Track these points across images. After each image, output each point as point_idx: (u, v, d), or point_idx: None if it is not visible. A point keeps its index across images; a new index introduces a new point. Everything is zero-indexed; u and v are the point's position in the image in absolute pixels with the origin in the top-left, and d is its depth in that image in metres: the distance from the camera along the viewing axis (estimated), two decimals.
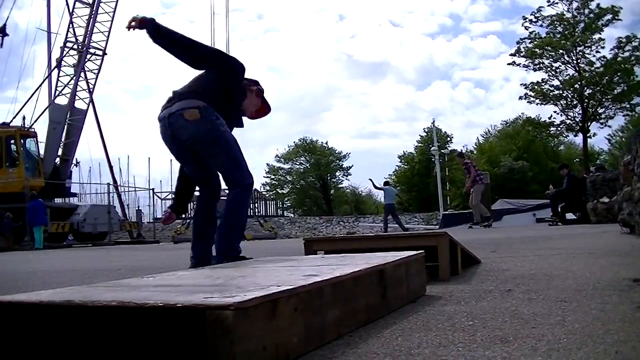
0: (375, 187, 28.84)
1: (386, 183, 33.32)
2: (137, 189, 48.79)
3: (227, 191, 6.31)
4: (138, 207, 42.85)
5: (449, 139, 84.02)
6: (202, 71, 6.54)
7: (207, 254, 6.59)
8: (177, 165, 6.83)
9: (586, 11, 48.65)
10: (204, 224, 6.69)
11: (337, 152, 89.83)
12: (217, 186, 6.59)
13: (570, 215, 21.41)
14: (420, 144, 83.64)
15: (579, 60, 48.80)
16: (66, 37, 34.04)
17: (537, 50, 49.04)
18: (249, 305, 2.22)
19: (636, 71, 47.15)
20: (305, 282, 2.78)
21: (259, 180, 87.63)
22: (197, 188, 6.84)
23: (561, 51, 48.77)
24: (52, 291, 3.24)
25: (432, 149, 59.98)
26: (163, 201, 56.18)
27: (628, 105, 48.75)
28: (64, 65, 34.31)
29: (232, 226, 6.31)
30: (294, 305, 2.53)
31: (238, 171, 6.10)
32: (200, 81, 6.42)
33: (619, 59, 46.97)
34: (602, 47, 48.08)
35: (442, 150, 63.91)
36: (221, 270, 4.06)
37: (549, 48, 48.53)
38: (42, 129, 33.49)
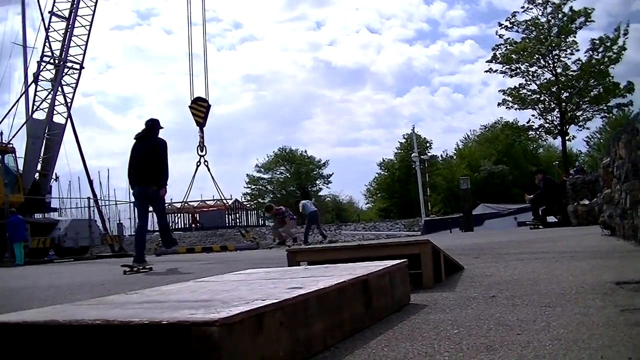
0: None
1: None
2: (117, 202, 48.68)
3: None
4: (119, 220, 42.72)
5: (428, 144, 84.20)
6: None
7: None
8: None
9: (560, 15, 48.93)
10: None
11: (316, 160, 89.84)
12: None
13: (551, 218, 21.47)
14: (400, 151, 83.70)
15: (555, 64, 49.07)
16: (43, 52, 33.84)
17: (513, 55, 49.28)
18: (234, 320, 2.22)
19: (611, 72, 47.50)
20: (290, 295, 2.78)
21: (240, 190, 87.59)
22: None
23: (537, 56, 49.00)
24: (35, 310, 3.23)
25: (412, 155, 60.02)
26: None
27: (605, 107, 49.03)
28: (41, 80, 34.10)
29: None
30: (279, 319, 2.53)
31: None
32: None
33: (593, 61, 47.24)
34: (577, 50, 48.42)
35: (422, 156, 64.04)
36: (205, 284, 4.05)
37: (525, 53, 48.75)
38: (20, 144, 33.33)
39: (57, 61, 34.08)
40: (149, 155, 12.54)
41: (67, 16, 33.84)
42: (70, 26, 33.77)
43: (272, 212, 27.44)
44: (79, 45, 34.45)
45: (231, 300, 2.78)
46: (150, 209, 13.18)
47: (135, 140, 12.94)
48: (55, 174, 36.42)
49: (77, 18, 33.86)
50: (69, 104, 34.92)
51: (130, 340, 2.23)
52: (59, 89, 34.19)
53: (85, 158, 37.18)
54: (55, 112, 34.29)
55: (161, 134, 12.88)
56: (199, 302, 2.94)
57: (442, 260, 5.69)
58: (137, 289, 5.03)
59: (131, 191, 13.48)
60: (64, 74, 34.19)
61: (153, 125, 12.93)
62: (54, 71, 34.28)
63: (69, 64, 34.37)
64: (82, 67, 34.97)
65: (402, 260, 4.45)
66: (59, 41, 34.12)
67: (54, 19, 33.76)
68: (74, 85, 34.94)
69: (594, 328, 3.02)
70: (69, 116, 35.03)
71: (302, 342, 2.72)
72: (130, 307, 2.94)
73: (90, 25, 34.21)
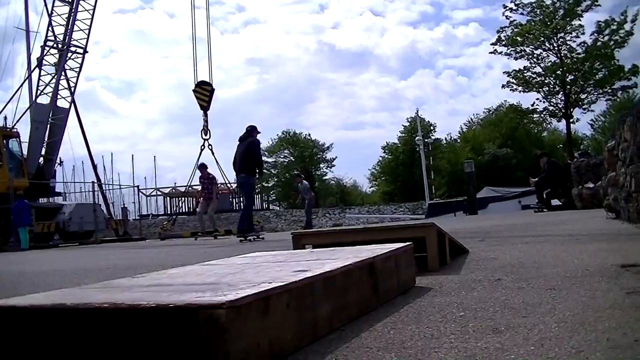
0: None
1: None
2: (121, 187, 48.77)
3: None
4: (123, 204, 42.82)
5: (432, 128, 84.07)
6: None
7: None
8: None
9: None
10: None
11: (320, 144, 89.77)
12: None
13: (555, 202, 21.47)
14: (403, 134, 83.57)
15: (560, 47, 48.83)
16: (46, 36, 33.75)
17: (518, 38, 49.03)
18: (241, 303, 2.22)
19: (616, 55, 47.29)
20: (296, 277, 2.79)
21: None
22: None
23: (542, 38, 48.76)
24: (44, 294, 3.23)
25: (416, 138, 60.00)
26: (148, 198, 56.23)
27: (610, 90, 48.82)
28: (45, 65, 34.05)
29: None
30: (286, 301, 2.53)
31: None
32: None
33: (599, 43, 46.99)
34: (582, 34, 48.15)
35: (426, 140, 64.00)
36: (211, 267, 4.05)
37: (530, 36, 48.53)
38: (24, 129, 33.30)
39: (60, 45, 34.01)
40: (244, 151, 16.55)
41: (70, 0, 33.76)
42: (73, 10, 33.68)
43: (204, 173, 23.55)
44: (82, 30, 34.37)
45: (238, 283, 2.79)
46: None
47: (238, 141, 16.94)
48: (60, 158, 36.39)
49: (81, 2, 33.76)
50: (72, 89, 34.88)
51: (138, 323, 2.23)
52: (63, 73, 34.14)
53: (89, 142, 37.19)
54: (59, 96, 34.27)
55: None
56: (205, 285, 2.95)
57: (447, 244, 5.69)
58: (142, 272, 5.04)
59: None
60: (67, 58, 34.14)
61: (251, 129, 16.97)
62: (57, 56, 34.22)
63: (73, 49, 34.32)
64: (85, 52, 34.93)
65: (408, 243, 4.45)
66: (62, 25, 34.03)
67: (57, 3, 33.67)
68: (77, 70, 34.90)
69: (599, 311, 3.03)
70: (73, 101, 35.00)
71: (309, 325, 2.72)
72: (137, 290, 2.94)
73: (94, 10, 34.13)
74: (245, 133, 16.92)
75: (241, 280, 2.94)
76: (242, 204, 18.72)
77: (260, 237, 17.09)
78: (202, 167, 24.25)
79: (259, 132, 17.15)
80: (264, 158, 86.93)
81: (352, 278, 3.28)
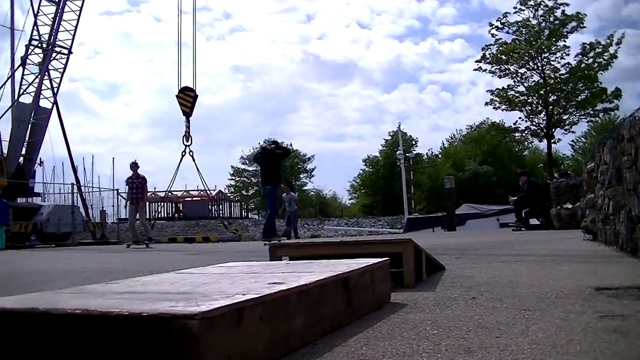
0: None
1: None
2: (101, 190, 48.50)
3: None
4: (102, 207, 42.59)
5: (414, 142, 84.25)
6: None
7: None
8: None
9: (551, 18, 48.93)
10: None
11: (301, 154, 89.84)
12: None
13: (533, 221, 21.54)
14: (385, 148, 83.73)
15: (544, 67, 49.06)
16: (31, 35, 33.72)
17: (502, 56, 49.24)
18: (214, 314, 2.22)
19: (599, 78, 47.55)
20: (271, 290, 2.79)
21: (224, 182, 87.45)
22: None
23: (526, 57, 49.00)
24: (15, 297, 3.21)
25: (397, 152, 60.07)
26: (127, 202, 56.05)
27: (591, 112, 49.12)
28: (29, 64, 33.99)
29: None
30: (259, 314, 2.53)
31: None
32: None
33: (582, 65, 47.30)
34: (567, 55, 48.42)
35: (408, 154, 64.11)
36: (186, 276, 4.05)
37: (515, 54, 48.75)
38: (5, 127, 33.19)
39: (45, 45, 33.94)
40: (268, 165, 18.57)
41: (57, 0, 33.69)
42: (60, 10, 33.65)
43: (134, 172, 22.10)
44: (68, 30, 34.33)
45: (212, 294, 2.79)
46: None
47: (258, 154, 20.03)
48: (40, 158, 36.38)
49: (67, 3, 33.72)
50: (55, 89, 34.79)
51: (110, 330, 2.23)
52: (46, 73, 34.06)
53: (70, 144, 37.10)
54: (41, 96, 34.20)
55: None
56: (179, 294, 2.94)
57: (423, 260, 5.70)
58: (119, 278, 5.02)
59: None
60: (52, 58, 34.07)
61: (273, 143, 19.79)
62: (41, 55, 34.14)
63: (58, 49, 34.26)
64: (70, 52, 34.86)
65: (384, 259, 4.45)
66: (48, 25, 34.01)
67: (43, 2, 33.64)
68: (61, 70, 34.85)
69: (572, 333, 3.04)
70: (55, 101, 34.91)
71: (282, 338, 2.72)
72: (110, 297, 2.94)
73: (80, 11, 34.11)
74: (262, 150, 19.69)
75: (215, 291, 2.94)
76: (267, 212, 19.83)
77: (282, 239, 18.73)
78: (133, 166, 22.15)
79: (278, 146, 19.81)
80: (244, 167, 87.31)
81: (327, 292, 3.28)
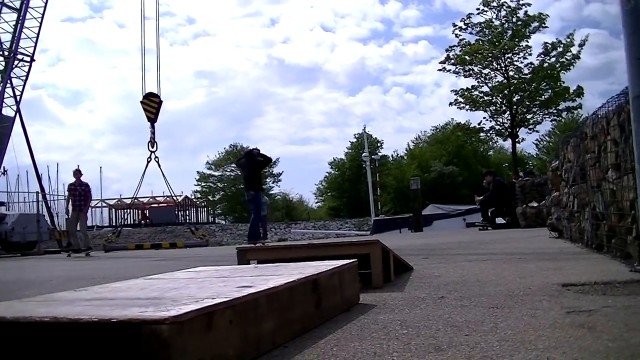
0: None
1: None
2: (66, 197, 48.20)
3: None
4: (68, 215, 42.31)
5: (379, 144, 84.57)
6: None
7: None
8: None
9: (514, 19, 49.21)
10: None
11: None
12: None
13: (499, 220, 21.68)
14: (350, 150, 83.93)
15: (507, 67, 49.29)
16: None
17: (466, 57, 49.39)
18: (184, 319, 2.22)
19: (562, 77, 47.83)
20: (240, 293, 2.79)
21: (190, 187, 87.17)
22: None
23: (490, 58, 49.20)
24: None
25: (363, 155, 60.19)
26: (93, 209, 55.72)
27: (555, 111, 49.39)
28: None
29: None
30: (229, 317, 2.53)
31: None
32: None
33: (545, 65, 47.58)
34: (530, 55, 48.67)
35: (373, 156, 64.28)
36: (155, 281, 4.03)
37: (478, 55, 48.94)
38: None
39: (7, 53, 33.67)
40: (250, 172, 19.95)
41: (18, 7, 33.45)
42: (21, 18, 33.39)
43: (78, 178, 21.74)
44: (29, 37, 34.16)
45: (181, 298, 2.78)
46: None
47: (242, 159, 20.86)
48: (4, 167, 36.06)
49: (29, 10, 33.48)
50: (18, 97, 34.52)
51: (80, 337, 2.22)
52: (9, 81, 33.79)
53: (34, 152, 36.86)
54: (4, 104, 33.90)
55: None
56: (148, 299, 2.93)
57: (391, 261, 5.72)
58: (86, 285, 5.00)
59: None
60: (14, 66, 33.79)
61: (252, 152, 20.41)
62: (3, 63, 33.88)
63: (20, 56, 34.01)
64: (32, 60, 34.64)
65: (352, 260, 4.46)
66: (10, 33, 33.74)
67: (4, 9, 33.40)
68: (24, 78, 34.65)
69: (540, 329, 3.07)
70: (18, 109, 34.64)
71: (252, 341, 2.72)
72: (79, 304, 2.92)
73: (42, 17, 33.95)
74: (246, 156, 20.60)
75: (184, 296, 2.94)
76: (251, 217, 20.43)
77: (266, 243, 19.16)
78: (77, 173, 21.88)
79: (259, 153, 20.53)
80: (210, 172, 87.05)
81: (295, 294, 3.29)
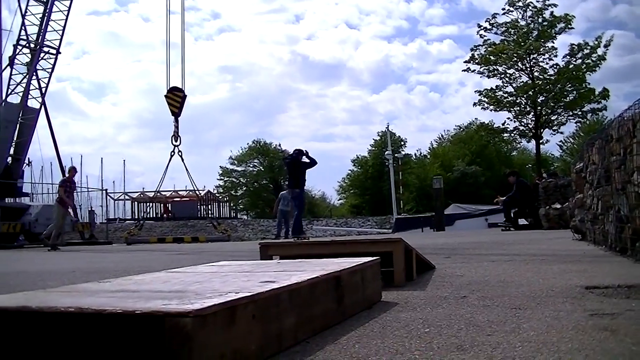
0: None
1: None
2: (89, 190, 48.41)
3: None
4: (91, 207, 42.50)
5: (402, 143, 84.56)
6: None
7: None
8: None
9: (540, 19, 48.92)
10: None
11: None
12: None
13: (522, 221, 21.62)
14: (374, 148, 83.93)
15: (532, 68, 48.98)
16: (19, 35, 33.52)
17: (491, 57, 49.14)
18: (207, 312, 2.22)
19: (587, 78, 47.53)
20: (263, 288, 2.78)
21: (213, 182, 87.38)
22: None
23: (515, 58, 48.91)
24: (7, 296, 3.20)
25: (386, 153, 60.15)
26: (116, 202, 56.00)
27: (579, 112, 49.09)
28: (17, 64, 33.84)
29: None
30: (251, 312, 2.53)
31: None
32: None
33: (571, 66, 47.28)
34: (555, 56, 48.34)
35: (396, 155, 64.20)
36: (178, 275, 4.04)
37: (503, 55, 48.68)
38: None
39: (33, 45, 33.80)
40: (294, 171, 21.73)
41: (45, 0, 33.56)
42: (48, 10, 33.47)
43: (72, 176, 22.68)
44: (56, 30, 34.16)
45: (204, 292, 2.79)
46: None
47: (288, 159, 22.55)
48: (28, 158, 36.15)
49: (55, 3, 33.55)
50: (43, 89, 34.66)
51: (103, 328, 2.23)
52: (34, 73, 33.92)
53: (58, 144, 36.99)
54: (29, 96, 34.01)
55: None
56: (172, 292, 2.94)
57: (414, 259, 5.71)
58: (108, 277, 5.02)
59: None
60: (39, 58, 33.92)
61: (298, 153, 21.87)
62: (29, 55, 33.99)
63: (45, 49, 34.09)
64: (58, 52, 34.71)
65: (375, 258, 4.45)
66: (36, 25, 33.83)
67: (31, 2, 33.46)
68: (49, 70, 34.66)
69: (563, 331, 3.05)
70: (43, 101, 34.78)
71: (274, 336, 2.72)
72: (103, 295, 2.93)
73: (68, 11, 33.91)
74: (293, 156, 22.15)
75: (208, 289, 2.94)
76: (295, 213, 22.66)
77: (308, 238, 21.22)
78: (72, 170, 22.75)
79: (304, 154, 21.87)
80: (232, 167, 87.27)
81: (318, 291, 3.29)
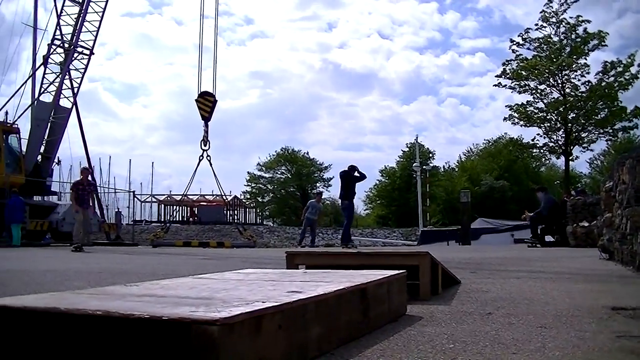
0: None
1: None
2: (116, 191, 48.72)
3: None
4: (117, 208, 42.78)
5: (431, 155, 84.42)
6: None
7: None
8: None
9: (573, 35, 48.67)
10: None
11: (318, 163, 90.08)
12: None
13: (549, 238, 21.50)
14: (402, 159, 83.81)
15: (564, 84, 48.71)
16: (54, 35, 33.81)
17: (522, 72, 48.93)
18: (234, 321, 2.22)
19: (619, 97, 47.18)
20: (290, 298, 2.79)
21: (240, 187, 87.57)
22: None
23: (547, 74, 48.66)
24: (36, 296, 3.23)
25: (414, 165, 60.03)
26: (143, 204, 56.26)
27: (610, 130, 48.75)
28: (50, 63, 34.11)
29: None
30: (278, 322, 2.53)
31: None
32: None
33: (603, 84, 46.96)
34: (588, 73, 48.00)
35: (424, 167, 64.07)
36: (205, 281, 4.05)
37: (535, 71, 48.45)
38: (24, 125, 33.31)
39: (67, 45, 34.07)
40: (346, 184, 23.20)
41: (80, 1, 33.83)
42: (83, 11, 33.77)
43: (85, 177, 21.69)
44: (90, 31, 34.44)
45: (231, 300, 2.79)
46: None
47: (341, 174, 24.09)
48: (58, 157, 36.44)
49: (91, 4, 33.83)
50: (76, 89, 34.92)
51: (130, 333, 2.24)
52: (67, 73, 34.18)
53: (88, 144, 37.23)
54: (61, 96, 34.29)
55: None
56: (199, 299, 2.95)
57: (439, 273, 5.70)
58: (134, 279, 5.03)
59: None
60: (73, 58, 34.19)
61: (351, 168, 23.32)
62: (63, 55, 34.27)
63: (79, 49, 34.37)
64: (92, 53, 35.00)
65: (401, 271, 4.45)
66: (71, 25, 34.12)
67: (67, 3, 33.78)
68: (82, 71, 34.94)
69: (589, 352, 3.03)
70: (75, 101, 35.03)
71: (299, 347, 2.72)
72: (130, 299, 2.94)
73: (103, 12, 34.20)
74: (346, 171, 23.49)
75: (234, 297, 2.95)
76: (344, 222, 24.92)
77: (356, 246, 24.58)
78: (85, 171, 22.10)
79: (356, 170, 23.48)
80: (260, 173, 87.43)
81: (343, 302, 3.28)
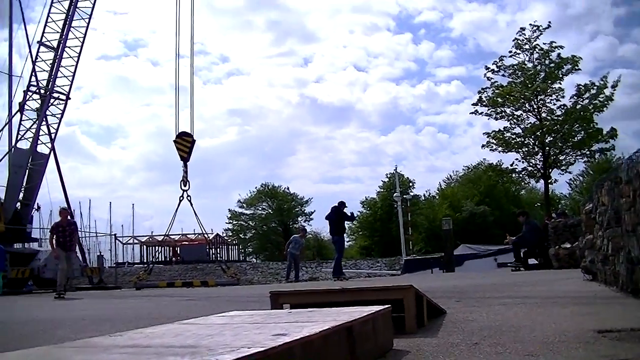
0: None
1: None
2: (98, 234, 48.50)
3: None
4: (99, 252, 42.54)
5: (411, 184, 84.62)
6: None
7: None
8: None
9: (547, 61, 48.92)
10: None
11: (299, 197, 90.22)
12: None
13: (532, 261, 21.56)
14: (382, 190, 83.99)
15: (540, 109, 48.89)
16: (29, 81, 33.73)
17: (498, 99, 49.14)
18: None
19: (595, 118, 47.44)
20: (275, 342, 2.78)
21: (222, 225, 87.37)
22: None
23: (522, 100, 48.88)
24: (18, 353, 3.20)
25: (394, 195, 60.17)
26: (125, 246, 56.04)
27: (588, 152, 48.98)
28: (27, 110, 34.02)
29: None
30: None
31: None
32: None
33: (578, 106, 47.23)
34: (562, 97, 48.24)
35: (405, 196, 64.20)
36: (189, 327, 4.03)
37: (511, 97, 48.69)
38: (2, 173, 33.20)
39: (43, 91, 33.98)
40: (336, 219, 23.71)
41: (55, 47, 33.80)
42: (58, 57, 33.70)
43: (65, 218, 20.79)
44: (65, 76, 34.33)
45: (217, 347, 2.78)
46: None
47: (332, 208, 24.12)
48: (37, 203, 36.18)
49: (66, 49, 33.81)
50: (53, 135, 34.81)
51: None
52: (44, 119, 34.09)
53: (67, 188, 37.05)
54: (39, 142, 34.14)
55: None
56: (184, 347, 2.93)
57: (424, 305, 5.70)
58: (118, 326, 4.99)
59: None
60: (49, 104, 34.10)
61: (340, 204, 24.16)
62: (39, 101, 34.18)
63: (55, 95, 34.25)
64: (68, 98, 34.87)
65: (386, 306, 4.45)
66: (46, 71, 34.01)
67: (42, 49, 33.70)
68: (59, 116, 34.80)
69: None
70: (53, 147, 34.92)
71: None
72: (115, 351, 2.92)
73: (78, 56, 34.12)
74: (336, 206, 24.10)
75: (220, 344, 2.93)
76: (335, 255, 25.93)
77: (348, 278, 25.47)
78: (63, 212, 21.25)
79: (345, 207, 24.64)
80: (241, 210, 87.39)
81: (330, 342, 3.28)
